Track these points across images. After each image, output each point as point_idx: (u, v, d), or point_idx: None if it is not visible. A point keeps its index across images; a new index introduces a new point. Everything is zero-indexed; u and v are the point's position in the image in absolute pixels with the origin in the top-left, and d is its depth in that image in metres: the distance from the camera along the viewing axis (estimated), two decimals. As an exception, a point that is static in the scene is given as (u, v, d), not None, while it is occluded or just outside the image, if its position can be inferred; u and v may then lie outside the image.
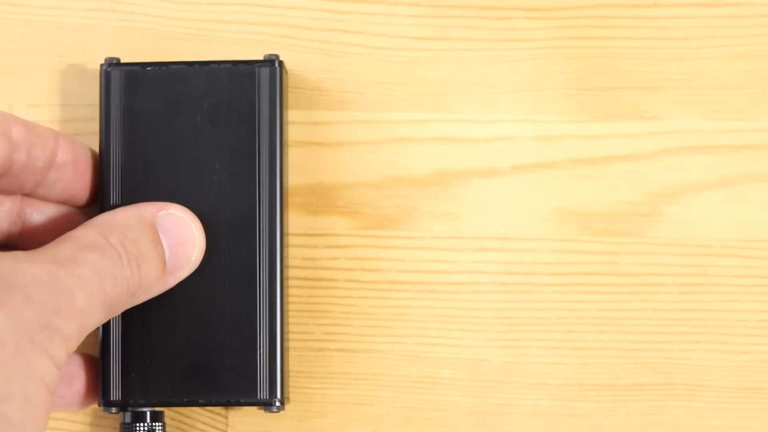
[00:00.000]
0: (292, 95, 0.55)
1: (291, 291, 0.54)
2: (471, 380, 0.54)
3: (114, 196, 0.52)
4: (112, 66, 0.52)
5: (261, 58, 0.53)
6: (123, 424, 0.52)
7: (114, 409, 0.51)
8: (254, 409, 0.53)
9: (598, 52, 0.55)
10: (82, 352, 0.51)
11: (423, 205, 0.54)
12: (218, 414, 0.54)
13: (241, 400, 0.51)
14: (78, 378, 0.51)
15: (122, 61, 0.53)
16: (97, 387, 0.51)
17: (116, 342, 0.51)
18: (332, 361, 0.54)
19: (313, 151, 0.55)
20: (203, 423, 0.54)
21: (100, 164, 0.52)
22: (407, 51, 0.55)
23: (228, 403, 0.52)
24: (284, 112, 0.52)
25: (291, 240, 0.54)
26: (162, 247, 0.49)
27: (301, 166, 0.54)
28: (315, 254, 0.54)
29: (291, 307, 0.54)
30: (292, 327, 0.54)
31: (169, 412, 0.54)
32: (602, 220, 0.54)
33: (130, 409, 0.51)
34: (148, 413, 0.52)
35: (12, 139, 0.47)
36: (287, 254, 0.53)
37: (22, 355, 0.42)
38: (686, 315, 0.54)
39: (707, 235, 0.54)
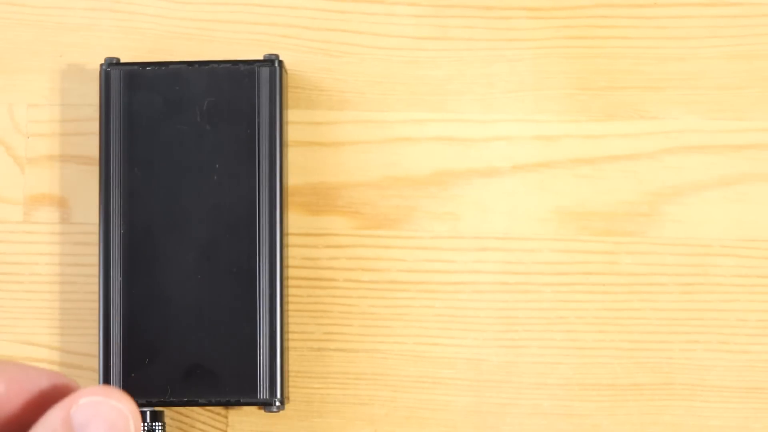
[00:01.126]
0: (292, 95, 0.55)
1: (291, 291, 0.54)
2: (471, 380, 0.54)
3: (114, 196, 0.52)
4: (112, 66, 0.52)
5: (261, 58, 0.53)
6: (123, 424, 0.52)
7: (114, 409, 0.51)
8: (254, 409, 0.53)
9: (598, 52, 0.55)
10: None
11: (423, 205, 0.54)
12: (218, 414, 0.54)
13: (241, 400, 0.51)
14: None
15: (122, 61, 0.53)
16: None
17: (116, 342, 0.51)
18: (332, 361, 0.54)
19: (313, 151, 0.55)
20: (203, 423, 0.54)
21: (100, 164, 0.52)
22: (407, 51, 0.55)
23: (228, 403, 0.52)
24: (284, 111, 0.52)
25: (291, 240, 0.54)
26: None
27: (301, 166, 0.54)
28: (315, 254, 0.54)
29: (291, 307, 0.54)
30: (292, 327, 0.54)
31: (169, 412, 0.54)
32: (602, 220, 0.54)
33: (130, 409, 0.51)
34: (148, 413, 0.52)
35: None
36: (287, 254, 0.53)
37: None
38: (686, 315, 0.54)
39: (707, 235, 0.54)
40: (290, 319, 0.53)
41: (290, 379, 0.53)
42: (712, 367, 0.54)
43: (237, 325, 0.51)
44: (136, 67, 0.52)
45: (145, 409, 0.51)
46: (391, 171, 0.54)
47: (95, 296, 0.53)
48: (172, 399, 0.51)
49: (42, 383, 0.43)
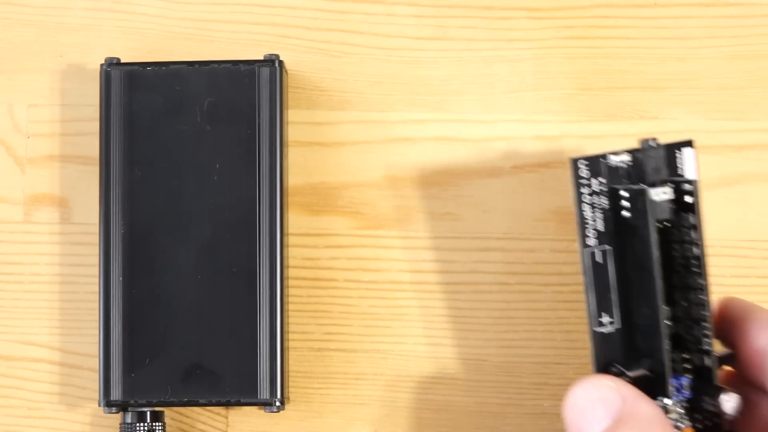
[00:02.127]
0: (292, 95, 0.55)
1: (291, 291, 0.54)
2: (471, 380, 0.54)
3: (114, 196, 0.52)
4: (112, 66, 0.52)
5: (261, 58, 0.53)
6: (123, 424, 0.52)
7: (114, 409, 0.51)
8: (254, 409, 0.53)
9: (598, 52, 0.55)
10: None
11: (423, 205, 0.54)
12: (218, 414, 0.54)
13: (241, 400, 0.51)
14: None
15: (122, 61, 0.53)
16: None
17: (117, 342, 0.51)
18: (332, 361, 0.54)
19: (313, 151, 0.55)
20: (203, 423, 0.54)
21: (100, 164, 0.52)
22: (407, 51, 0.55)
23: (228, 403, 0.52)
24: (284, 112, 0.52)
25: (291, 240, 0.54)
26: None
27: (301, 166, 0.54)
28: (315, 254, 0.54)
29: (291, 307, 0.54)
30: (292, 327, 0.54)
31: (169, 412, 0.54)
32: (602, 220, 0.54)
33: (130, 409, 0.51)
34: (149, 413, 0.52)
35: None
36: (287, 254, 0.53)
37: None
38: (686, 315, 0.54)
39: (707, 235, 0.54)
40: (290, 319, 0.53)
41: (290, 379, 0.53)
42: (712, 367, 0.54)
43: (237, 325, 0.51)
44: (136, 67, 0.52)
45: (145, 409, 0.51)
46: (391, 171, 0.54)
47: (95, 296, 0.53)
48: (172, 399, 0.51)
49: None
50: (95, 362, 0.53)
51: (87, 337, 0.54)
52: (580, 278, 0.53)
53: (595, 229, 0.45)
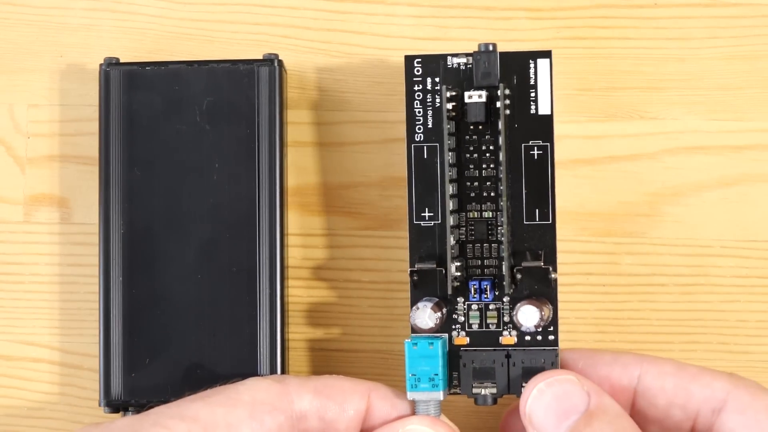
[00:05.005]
0: (292, 95, 0.55)
1: (291, 291, 0.54)
2: (471, 380, 0.54)
3: (114, 196, 0.52)
4: (111, 66, 0.52)
5: (261, 57, 0.53)
6: (123, 424, 0.52)
7: (114, 409, 0.51)
8: (254, 409, 0.53)
9: (598, 53, 0.55)
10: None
11: (423, 205, 0.54)
12: (218, 414, 0.54)
13: (241, 400, 0.51)
14: None
15: (122, 61, 0.53)
16: None
17: (117, 342, 0.51)
18: (332, 361, 0.54)
19: (313, 151, 0.55)
20: (203, 423, 0.54)
21: (100, 164, 0.52)
22: (407, 51, 0.55)
23: (228, 403, 0.52)
24: (284, 112, 0.53)
25: (291, 240, 0.54)
26: None
27: (301, 166, 0.54)
28: (315, 254, 0.54)
29: (291, 307, 0.54)
30: (292, 327, 0.54)
31: (169, 412, 0.53)
32: (602, 220, 0.54)
33: (130, 409, 0.51)
34: (148, 413, 0.52)
35: (294, 412, 0.45)
36: (287, 254, 0.53)
37: None
38: (686, 316, 0.54)
39: (707, 235, 0.54)
40: (290, 319, 0.53)
41: (290, 379, 0.53)
42: (711, 367, 0.53)
43: (237, 325, 0.51)
44: (135, 67, 0.52)
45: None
46: (391, 171, 0.54)
47: (95, 296, 0.53)
48: (172, 399, 0.51)
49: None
50: (95, 362, 0.53)
51: (87, 337, 0.54)
52: (580, 278, 0.53)
53: (423, 126, 0.49)
